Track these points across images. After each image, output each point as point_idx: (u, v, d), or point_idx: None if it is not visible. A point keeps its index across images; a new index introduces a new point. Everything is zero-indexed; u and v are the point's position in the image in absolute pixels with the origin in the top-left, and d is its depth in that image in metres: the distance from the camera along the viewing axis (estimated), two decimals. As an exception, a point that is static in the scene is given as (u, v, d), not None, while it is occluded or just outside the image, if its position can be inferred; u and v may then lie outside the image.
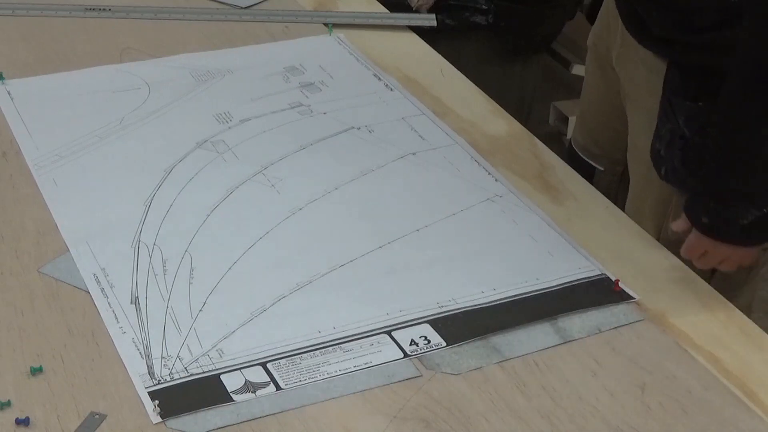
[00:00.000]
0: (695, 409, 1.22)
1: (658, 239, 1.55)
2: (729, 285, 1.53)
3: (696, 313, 1.36)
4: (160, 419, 1.18)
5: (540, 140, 1.72)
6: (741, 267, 1.45)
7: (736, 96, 1.35)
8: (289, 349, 1.27)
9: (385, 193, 1.57)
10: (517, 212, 1.53)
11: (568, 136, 2.99)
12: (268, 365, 1.25)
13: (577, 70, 3.02)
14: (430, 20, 2.11)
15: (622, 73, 1.71)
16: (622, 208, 1.71)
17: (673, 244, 1.51)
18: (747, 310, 1.52)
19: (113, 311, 1.32)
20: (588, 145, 1.90)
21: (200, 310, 1.33)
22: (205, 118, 1.73)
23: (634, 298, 1.38)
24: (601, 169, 1.91)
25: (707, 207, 1.41)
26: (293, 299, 1.35)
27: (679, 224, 1.47)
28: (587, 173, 1.75)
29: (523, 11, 2.28)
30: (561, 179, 1.61)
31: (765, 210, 1.36)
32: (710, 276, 1.58)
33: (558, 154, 1.70)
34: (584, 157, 1.89)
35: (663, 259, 1.46)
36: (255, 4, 2.10)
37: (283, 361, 1.26)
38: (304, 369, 1.25)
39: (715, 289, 1.41)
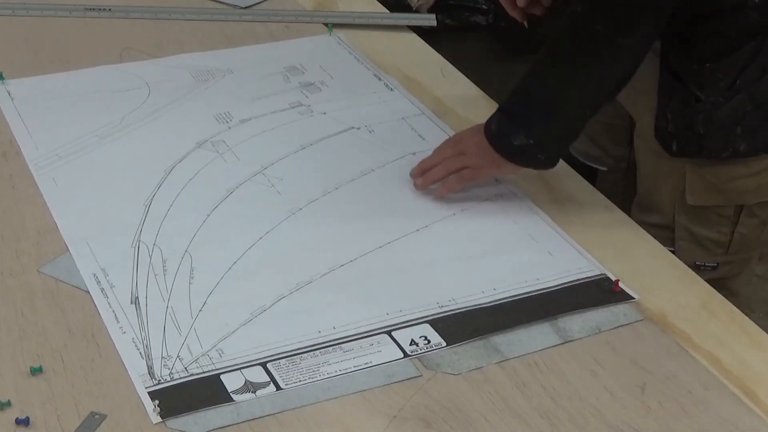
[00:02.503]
0: (695, 409, 1.22)
1: (672, 216, 1.59)
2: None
3: (696, 313, 1.36)
4: (160, 419, 1.18)
5: (540, 140, 1.72)
6: (472, 177, 1.54)
7: (555, 47, 1.54)
8: (289, 349, 1.27)
9: (385, 193, 1.56)
10: (517, 212, 1.53)
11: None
12: (268, 365, 1.25)
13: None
14: (430, 20, 2.11)
15: None
16: (630, 204, 1.71)
17: (690, 215, 1.56)
18: (747, 309, 1.52)
19: (113, 311, 1.32)
20: (587, 149, 1.90)
21: (200, 310, 1.33)
22: (205, 118, 1.73)
23: (634, 298, 1.37)
24: (604, 169, 1.91)
25: (500, 120, 1.50)
26: (293, 299, 1.35)
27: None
28: (589, 177, 1.74)
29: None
30: (561, 179, 1.61)
31: (531, 141, 1.47)
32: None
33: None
34: (585, 162, 1.89)
35: (663, 258, 1.46)
36: (255, 4, 2.10)
37: (283, 361, 1.26)
38: (304, 369, 1.25)
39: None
